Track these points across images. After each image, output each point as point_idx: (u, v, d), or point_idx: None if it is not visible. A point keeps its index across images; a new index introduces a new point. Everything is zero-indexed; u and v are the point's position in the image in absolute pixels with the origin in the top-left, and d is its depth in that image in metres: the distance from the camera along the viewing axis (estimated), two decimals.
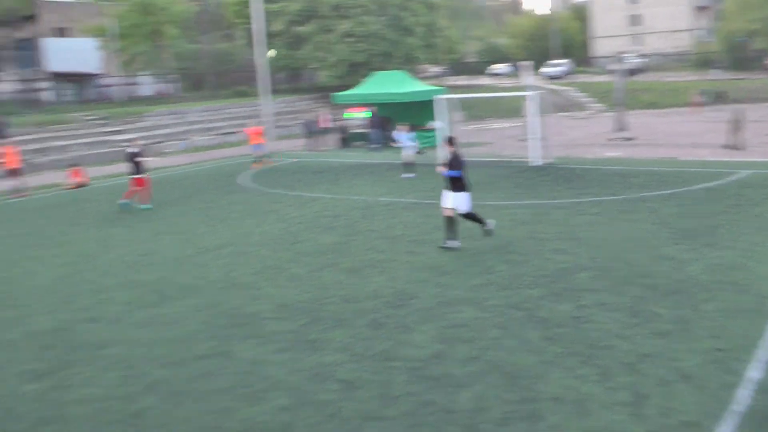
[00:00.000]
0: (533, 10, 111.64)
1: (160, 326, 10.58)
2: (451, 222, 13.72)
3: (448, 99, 27.91)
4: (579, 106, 51.31)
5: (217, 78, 60.41)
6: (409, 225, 16.44)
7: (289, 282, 12.41)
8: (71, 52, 51.25)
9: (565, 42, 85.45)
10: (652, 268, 11.79)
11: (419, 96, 33.39)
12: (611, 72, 47.33)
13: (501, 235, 14.60)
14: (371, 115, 34.94)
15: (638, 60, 67.34)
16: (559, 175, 22.56)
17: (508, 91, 39.07)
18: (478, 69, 80.00)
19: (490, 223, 14.09)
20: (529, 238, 14.39)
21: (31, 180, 28.26)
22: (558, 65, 69.15)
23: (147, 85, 54.89)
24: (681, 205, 16.91)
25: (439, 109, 27.56)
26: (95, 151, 35.81)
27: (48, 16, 52.57)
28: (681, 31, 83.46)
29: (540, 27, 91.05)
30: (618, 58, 46.15)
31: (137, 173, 21.37)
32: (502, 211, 17.14)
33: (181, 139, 41.00)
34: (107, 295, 12.51)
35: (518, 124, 29.30)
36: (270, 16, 48.73)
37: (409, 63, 54.52)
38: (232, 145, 39.81)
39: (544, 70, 66.31)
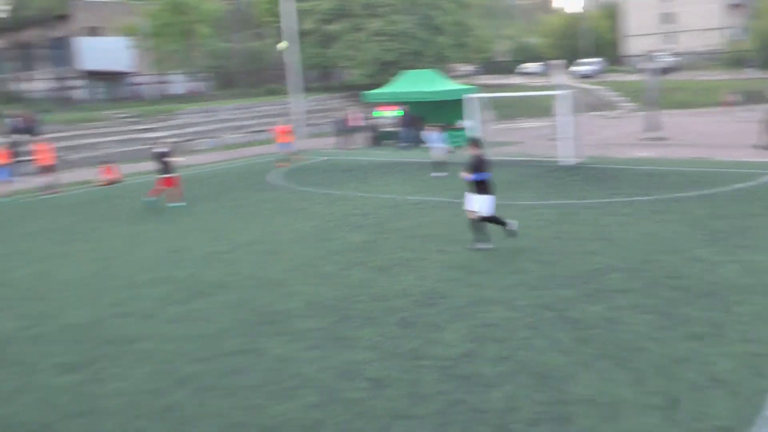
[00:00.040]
0: (563, 9, 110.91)
1: (191, 322, 10.66)
2: (478, 224, 13.65)
3: (478, 98, 27.81)
4: (610, 106, 50.90)
5: (248, 76, 60.70)
6: (439, 224, 16.41)
7: (319, 280, 12.43)
8: (103, 51, 51.76)
9: (596, 40, 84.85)
10: (684, 270, 11.66)
11: (450, 95, 33.34)
12: (642, 71, 46.89)
13: (531, 235, 14.54)
14: (402, 114, 34.91)
15: (670, 59, 66.66)
16: (590, 175, 22.40)
17: (538, 90, 38.88)
18: (508, 68, 79.69)
19: (513, 223, 13.96)
20: (559, 239, 14.30)
21: (64, 177, 28.59)
22: (589, 64, 68.66)
23: (178, 83, 55.29)
24: (713, 206, 16.71)
25: (470, 108, 27.47)
26: (127, 149, 36.14)
27: (81, 15, 53.11)
28: (714, 29, 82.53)
29: (571, 25, 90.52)
30: (649, 56, 45.75)
31: (165, 173, 21.53)
32: (533, 211, 17.06)
33: (211, 137, 41.25)
34: (139, 290, 12.63)
35: (549, 123, 29.13)
36: (301, 14, 48.87)
37: (439, 62, 54.40)
38: (262, 143, 39.96)
39: (575, 68, 65.88)
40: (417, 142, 31.10)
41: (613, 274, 11.65)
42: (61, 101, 46.07)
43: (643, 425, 6.81)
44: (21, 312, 11.92)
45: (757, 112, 33.16)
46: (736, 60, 66.15)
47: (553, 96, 26.59)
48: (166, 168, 21.53)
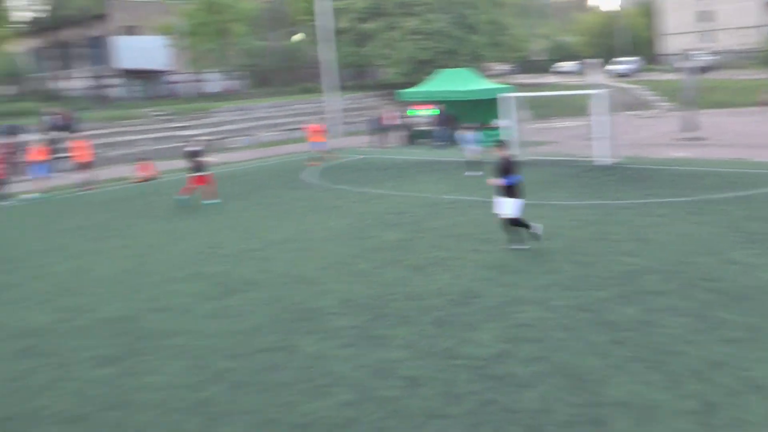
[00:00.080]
0: (599, 7, 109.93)
1: (225, 318, 10.74)
2: (517, 224, 13.57)
3: (513, 97, 27.67)
4: (647, 105, 50.37)
5: (283, 75, 60.95)
6: (474, 223, 16.35)
7: (353, 278, 12.45)
8: (140, 50, 52.26)
9: (633, 39, 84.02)
10: (720, 273, 11.49)
11: (485, 94, 33.20)
12: (679, 70, 46.33)
13: (567, 236, 14.44)
14: (439, 113, 34.83)
15: (708, 57, 65.75)
16: (625, 175, 22.18)
17: (574, 89, 38.58)
18: (544, 67, 79.22)
19: (537, 227, 13.79)
20: (595, 239, 14.18)
21: (101, 173, 28.93)
22: (626, 63, 68.00)
23: (214, 81, 55.66)
24: (750, 207, 16.44)
25: (505, 108, 27.36)
26: (162, 146, 36.49)
27: (118, 15, 53.67)
28: (751, 27, 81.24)
29: (607, 24, 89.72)
30: (685, 55, 45.18)
31: (197, 171, 21.69)
32: (568, 211, 16.95)
33: (246, 135, 41.51)
34: (174, 286, 12.76)
35: (585, 122, 28.90)
36: (336, 13, 48.98)
37: (474, 61, 54.18)
38: (296, 141, 40.16)
39: (611, 67, 65.30)
40: (452, 141, 31.03)
41: (649, 275, 11.52)
42: (98, 99, 46.64)
43: (678, 430, 6.73)
44: (58, 306, 12.12)
45: None
46: None
47: (588, 95, 26.37)
48: (198, 166, 21.71)
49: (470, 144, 24.83)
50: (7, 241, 18.33)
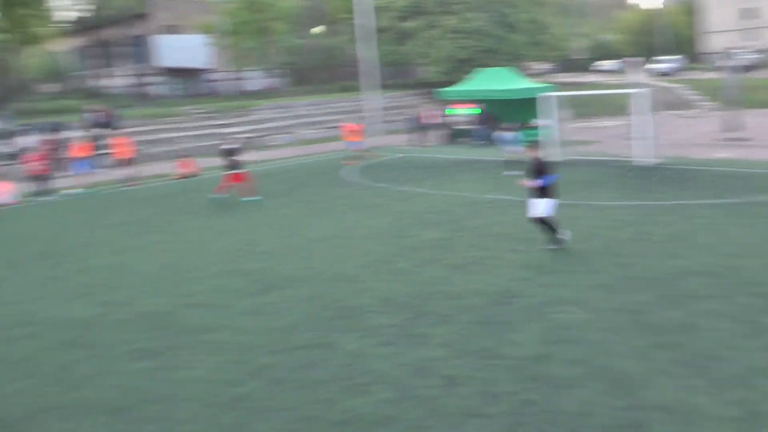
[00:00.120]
0: (639, 5, 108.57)
1: (265, 315, 10.79)
2: (546, 224, 13.44)
3: (553, 96, 27.45)
4: (688, 104, 49.67)
5: (323, 73, 61.15)
6: (513, 223, 16.23)
7: (392, 276, 12.44)
8: (181, 49, 52.75)
9: (674, 37, 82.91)
10: (765, 277, 11.25)
11: (525, 93, 32.97)
12: (721, 69, 45.60)
13: (607, 236, 14.29)
14: (480, 112, 34.68)
15: (751, 56, 64.60)
16: (667, 176, 21.88)
17: (615, 88, 38.17)
18: (584, 66, 78.53)
19: (565, 233, 13.63)
20: (635, 240, 14.00)
21: (142, 170, 29.27)
22: (668, 61, 67.11)
23: (255, 79, 56.00)
24: None
25: (544, 107, 27.17)
26: (203, 144, 36.80)
27: (159, 14, 54.24)
28: None
29: (647, 22, 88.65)
30: (728, 53, 44.43)
31: (233, 169, 21.82)
32: (608, 212, 16.77)
33: (286, 133, 41.71)
34: (213, 282, 12.85)
35: (625, 122, 28.58)
36: (377, 11, 49.02)
37: (514, 60, 53.88)
38: (336, 139, 40.26)
39: (652, 66, 64.52)
40: (492, 140, 30.89)
41: (691, 278, 11.33)
42: (140, 97, 47.18)
43: None
44: (100, 300, 12.29)
45: None
46: None
47: (629, 94, 26.08)
48: (234, 164, 21.84)
49: (509, 143, 24.70)
50: (51, 236, 18.63)
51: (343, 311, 10.67)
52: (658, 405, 7.20)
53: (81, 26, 62.39)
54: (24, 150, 29.21)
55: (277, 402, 7.80)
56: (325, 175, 26.53)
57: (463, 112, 36.16)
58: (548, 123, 26.83)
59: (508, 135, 24.75)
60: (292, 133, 41.77)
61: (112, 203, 23.51)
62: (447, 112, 37.54)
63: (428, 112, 38.33)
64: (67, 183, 27.43)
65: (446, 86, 39.24)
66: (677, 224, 15.20)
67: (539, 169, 13.20)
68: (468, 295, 11.08)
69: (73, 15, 65.65)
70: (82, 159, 28.11)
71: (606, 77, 64.85)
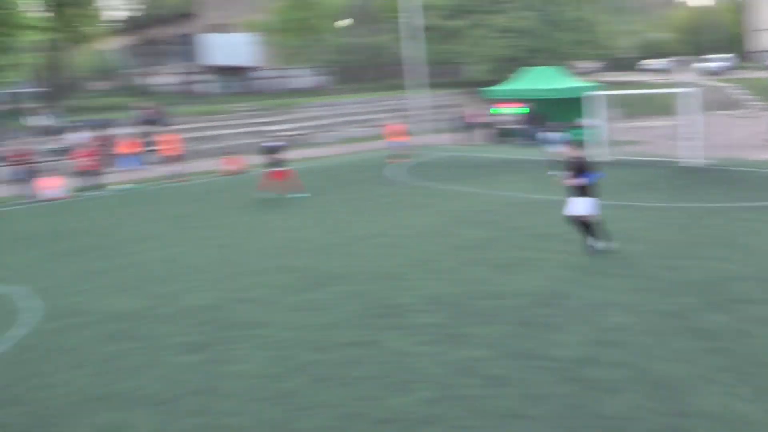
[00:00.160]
0: (687, 3, 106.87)
1: (310, 311, 10.86)
2: (590, 226, 13.29)
3: (599, 96, 27.18)
4: (738, 104, 48.79)
5: (369, 71, 61.21)
6: (558, 223, 16.03)
7: (437, 275, 12.42)
8: (228, 47, 53.21)
9: (724, 35, 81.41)
10: None
11: (572, 92, 32.66)
12: None
13: (654, 238, 14.10)
14: (528, 111, 34.44)
15: None
16: (716, 177, 21.52)
17: (663, 88, 37.64)
18: (632, 65, 77.54)
19: (609, 245, 13.33)
20: (683, 243, 13.79)
21: (189, 166, 29.63)
22: (718, 60, 65.91)
23: (301, 77, 56.29)
24: None
25: (591, 107, 26.91)
26: (249, 141, 37.09)
27: (207, 13, 54.77)
28: None
29: (696, 20, 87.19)
30: None
31: (276, 166, 21.96)
32: (656, 213, 16.56)
33: (331, 131, 41.87)
34: (259, 278, 12.98)
35: (674, 122, 28.18)
36: (424, 10, 48.91)
37: (560, 59, 53.39)
38: (382, 137, 40.36)
39: (701, 65, 63.47)
40: (538, 139, 30.67)
41: (741, 282, 11.11)
42: (187, 95, 47.75)
43: None
44: (148, 293, 12.51)
45: None
46: None
47: (677, 94, 25.70)
48: (277, 161, 21.97)
49: (555, 143, 24.50)
50: (100, 230, 18.98)
51: (388, 309, 10.69)
52: (703, 411, 7.07)
53: (130, 25, 63.36)
54: (74, 146, 29.76)
55: (322, 398, 7.85)
56: (370, 174, 26.59)
57: (510, 111, 35.94)
58: (595, 123, 26.57)
59: (554, 134, 24.56)
60: (337, 131, 41.89)
61: (160, 199, 23.87)
62: (492, 111, 37.36)
63: (473, 112, 38.20)
64: (116, 178, 27.90)
65: (491, 85, 39.05)
66: (725, 227, 14.94)
67: (580, 167, 13.04)
68: (512, 295, 11.03)
69: (123, 15, 66.68)
70: (130, 155, 28.59)
71: (654, 76, 63.97)
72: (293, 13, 51.13)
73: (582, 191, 12.99)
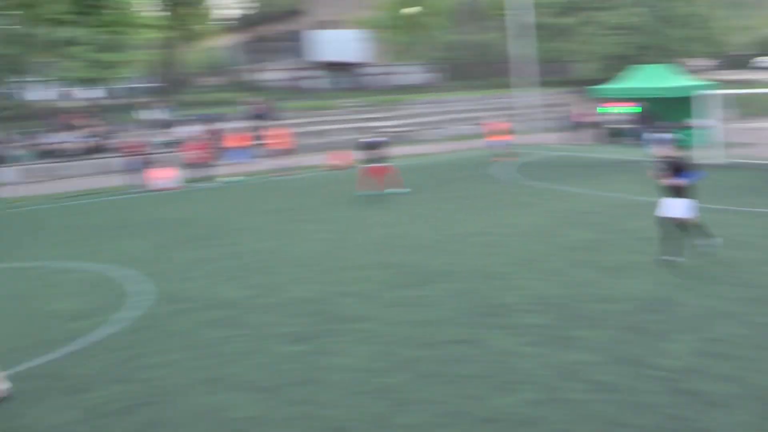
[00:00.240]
0: None
1: (413, 307, 10.82)
2: (677, 232, 12.65)
3: (713, 95, 26.14)
4: None
5: (478, 68, 60.83)
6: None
7: (542, 275, 12.20)
8: (336, 43, 53.78)
9: None
10: None
11: (684, 91, 31.56)
12: None
13: (765, 246, 13.43)
14: (638, 110, 33.50)
15: None
16: None
17: None
18: (745, 63, 74.55)
19: (717, 240, 12.83)
20: None
21: (296, 160, 30.07)
22: None
23: (408, 74, 56.42)
24: None
25: (704, 106, 25.93)
26: (355, 137, 37.39)
27: (316, 10, 55.50)
28: None
29: None
30: None
31: (376, 162, 21.98)
32: (766, 220, 15.79)
33: (437, 128, 41.79)
34: (362, 272, 13.02)
35: None
36: (534, 7, 48.29)
37: (671, 56, 51.78)
38: (487, 135, 40.04)
39: None
40: (649, 140, 29.75)
41: None
42: (295, 90, 48.53)
43: None
44: (252, 282, 12.76)
45: None
46: None
47: None
48: (377, 157, 21.99)
49: (663, 143, 23.69)
50: (209, 220, 19.47)
51: (492, 308, 10.55)
52: None
53: (241, 23, 64.92)
54: (184, 139, 30.66)
55: (425, 394, 7.79)
56: (475, 171, 26.40)
57: (619, 110, 35.02)
58: (707, 123, 25.59)
59: (662, 135, 23.72)
60: (443, 128, 41.76)
61: (268, 191, 24.33)
62: (599, 110, 36.49)
63: (581, 111, 37.45)
64: (224, 171, 28.59)
65: (598, 84, 38.14)
66: None
67: (678, 167, 12.52)
68: (619, 299, 10.71)
69: (233, 13, 68.39)
70: (240, 148, 29.26)
71: None
72: (401, 10, 51.30)
73: (679, 192, 12.47)
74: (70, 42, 35.30)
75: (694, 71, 61.41)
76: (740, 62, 75.27)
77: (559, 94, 51.14)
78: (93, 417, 7.77)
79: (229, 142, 31.88)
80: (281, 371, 8.65)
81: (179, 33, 50.06)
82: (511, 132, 30.45)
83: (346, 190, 23.21)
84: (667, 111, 30.47)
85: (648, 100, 32.51)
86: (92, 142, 31.98)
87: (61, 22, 35.02)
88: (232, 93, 45.68)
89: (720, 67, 70.90)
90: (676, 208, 12.47)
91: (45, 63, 39.68)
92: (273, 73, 53.99)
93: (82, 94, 41.78)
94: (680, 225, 12.57)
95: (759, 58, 73.14)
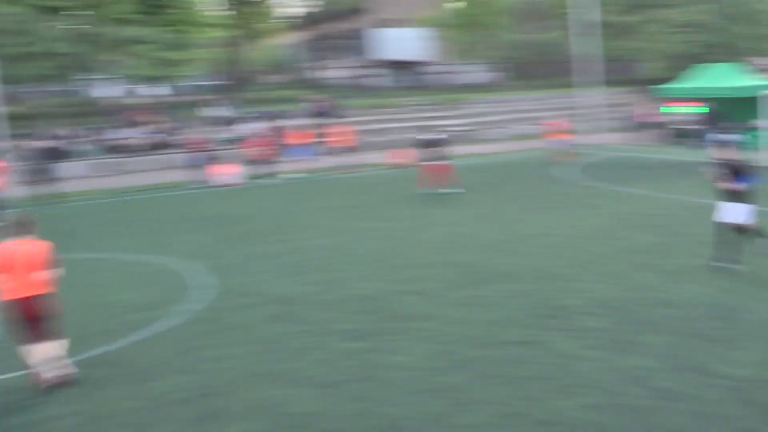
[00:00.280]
0: None
1: (473, 307, 10.80)
2: (736, 238, 12.31)
3: None
4: None
5: (541, 68, 60.29)
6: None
7: (604, 278, 12.07)
8: (399, 41, 53.82)
9: None
10: None
11: (752, 91, 30.75)
12: None
13: None
14: (706, 111, 32.78)
15: None
16: None
17: None
18: None
19: None
20: None
21: (358, 158, 30.24)
22: None
23: (471, 73, 56.17)
24: None
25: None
26: (417, 135, 37.35)
27: (379, 8, 55.62)
28: None
29: None
30: None
31: (434, 160, 21.92)
32: None
33: (500, 127, 41.53)
34: (423, 271, 13.04)
35: None
36: (594, 6, 47.66)
37: (739, 55, 50.50)
38: (548, 135, 39.65)
39: None
40: (707, 141, 29.10)
41: None
42: (358, 88, 48.72)
43: None
44: (312, 279, 12.89)
45: None
46: None
47: None
48: (436, 156, 21.94)
49: (728, 145, 23.14)
50: (271, 216, 19.72)
51: (553, 310, 10.48)
52: None
53: (304, 21, 65.43)
54: (246, 136, 31.04)
55: (484, 395, 7.78)
56: (536, 171, 26.21)
57: (684, 110, 34.30)
58: None
59: (727, 136, 23.17)
60: (505, 127, 41.46)
61: (329, 189, 24.52)
62: (663, 110, 35.79)
63: (644, 111, 36.81)
64: (287, 168, 28.87)
65: (663, 83, 37.42)
66: None
67: (738, 170, 12.22)
68: (683, 304, 10.52)
69: (297, 11, 68.98)
70: (301, 146, 29.51)
71: None
72: (467, 9, 51.15)
73: (738, 196, 12.17)
74: (136, 41, 36.09)
75: (763, 70, 59.78)
76: None
77: (623, 94, 50.29)
78: (155, 405, 7.96)
79: (292, 140, 32.16)
80: (340, 368, 8.72)
81: (243, 31, 50.73)
82: (572, 132, 30.10)
83: (408, 188, 23.26)
84: (733, 111, 29.74)
85: (714, 100, 31.76)
86: (157, 138, 32.57)
87: (127, 22, 35.84)
88: (294, 90, 46.09)
89: None
90: (736, 212, 12.19)
91: (111, 61, 40.69)
92: (335, 71, 54.30)
93: (147, 92, 42.62)
94: (739, 230, 12.28)
95: None
